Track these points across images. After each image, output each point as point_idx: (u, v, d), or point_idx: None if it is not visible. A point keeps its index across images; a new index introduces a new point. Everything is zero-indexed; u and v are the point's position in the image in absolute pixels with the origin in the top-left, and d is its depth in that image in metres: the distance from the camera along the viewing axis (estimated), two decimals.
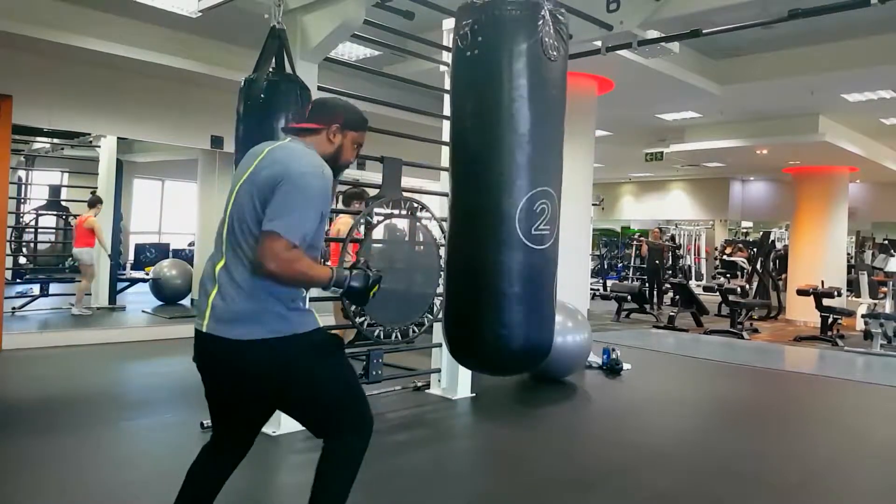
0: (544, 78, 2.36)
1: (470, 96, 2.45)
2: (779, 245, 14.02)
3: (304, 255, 1.93)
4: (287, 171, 1.94)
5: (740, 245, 16.37)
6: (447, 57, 5.08)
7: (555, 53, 2.34)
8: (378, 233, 4.69)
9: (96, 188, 8.27)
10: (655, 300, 12.24)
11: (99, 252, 7.90)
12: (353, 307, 4.26)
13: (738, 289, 10.25)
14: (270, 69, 3.54)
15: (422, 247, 4.90)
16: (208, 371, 2.13)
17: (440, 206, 5.11)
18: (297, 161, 1.98)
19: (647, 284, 12.59)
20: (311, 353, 2.03)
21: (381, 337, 4.50)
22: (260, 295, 1.95)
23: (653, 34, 4.72)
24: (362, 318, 4.68)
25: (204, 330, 2.01)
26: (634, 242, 16.04)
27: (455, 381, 4.99)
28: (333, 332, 2.19)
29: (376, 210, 4.60)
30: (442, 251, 4.50)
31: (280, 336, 1.96)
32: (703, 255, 16.97)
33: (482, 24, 2.35)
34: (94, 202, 7.89)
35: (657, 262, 12.68)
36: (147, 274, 9.30)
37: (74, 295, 7.87)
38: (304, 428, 4.00)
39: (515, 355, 2.43)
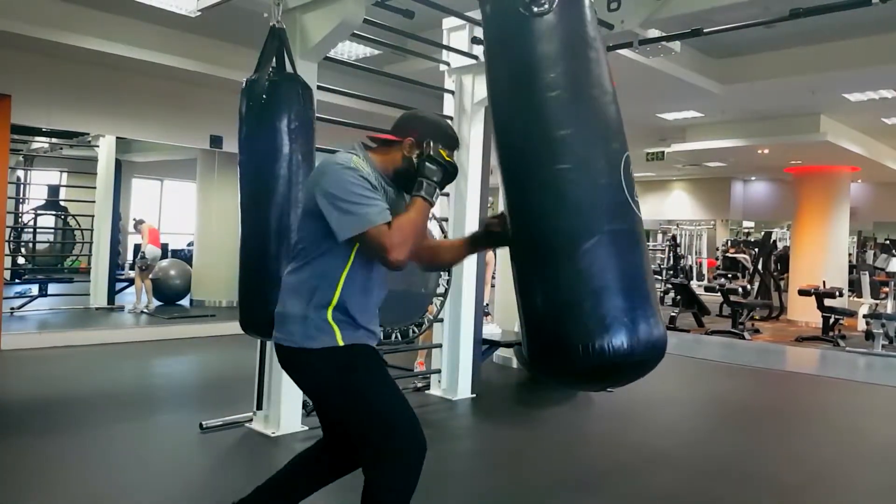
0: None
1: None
2: (780, 245, 14.00)
3: (395, 220, 1.86)
4: (316, 179, 1.96)
5: (741, 245, 16.36)
6: (447, 56, 5.07)
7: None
8: None
9: (95, 188, 8.28)
10: None
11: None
12: None
13: (740, 289, 10.23)
14: (271, 69, 3.52)
15: None
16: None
17: (440, 206, 5.10)
18: (320, 165, 2.01)
19: None
20: (339, 368, 1.98)
21: (381, 337, 4.49)
22: (297, 304, 1.97)
23: (654, 33, 4.70)
24: None
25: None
26: None
27: (455, 382, 4.97)
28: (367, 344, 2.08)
29: None
30: None
31: (312, 348, 1.94)
32: (704, 255, 16.94)
33: None
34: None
35: None
36: None
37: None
38: (303, 428, 4.03)
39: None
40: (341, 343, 1.97)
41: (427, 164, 1.94)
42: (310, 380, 2.04)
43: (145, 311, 8.36)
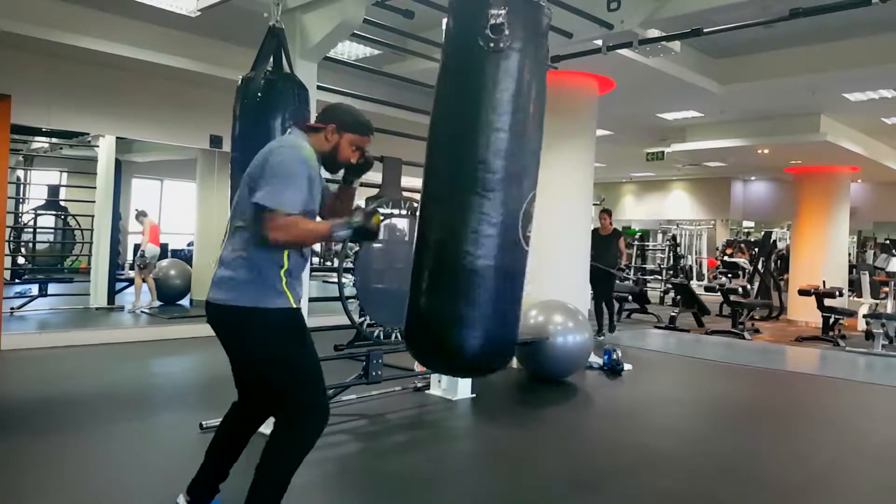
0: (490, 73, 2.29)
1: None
2: (780, 245, 13.99)
3: (301, 218, 2.29)
4: (264, 156, 2.33)
5: (741, 245, 16.34)
6: None
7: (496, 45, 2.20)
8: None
9: (95, 188, 8.27)
10: (606, 316, 8.53)
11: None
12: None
13: (740, 289, 10.23)
14: (268, 68, 3.52)
15: None
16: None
17: None
18: (273, 144, 2.39)
19: (594, 291, 8.30)
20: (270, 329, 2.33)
21: (381, 337, 4.49)
22: (243, 266, 2.34)
23: (654, 33, 4.71)
24: (362, 319, 4.67)
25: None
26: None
27: (455, 382, 4.97)
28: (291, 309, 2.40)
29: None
30: None
31: (247, 306, 2.31)
32: (704, 255, 16.92)
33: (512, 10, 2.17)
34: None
35: (611, 259, 8.42)
36: None
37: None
38: None
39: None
40: (294, 305, 2.38)
41: (362, 214, 2.36)
42: (253, 337, 2.35)
43: (146, 310, 8.36)
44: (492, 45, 2.16)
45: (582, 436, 4.40)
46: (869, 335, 8.68)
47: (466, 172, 2.23)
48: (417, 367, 5.60)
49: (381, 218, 2.24)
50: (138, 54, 6.24)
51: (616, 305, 9.24)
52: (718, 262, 16.48)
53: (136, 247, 9.01)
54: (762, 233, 14.87)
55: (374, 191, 4.58)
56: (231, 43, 6.54)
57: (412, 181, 7.21)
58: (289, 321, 2.37)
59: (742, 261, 14.60)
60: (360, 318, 4.71)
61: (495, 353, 2.36)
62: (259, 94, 3.31)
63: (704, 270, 16.77)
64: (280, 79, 3.45)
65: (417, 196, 4.90)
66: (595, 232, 8.22)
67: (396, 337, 4.56)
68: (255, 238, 2.28)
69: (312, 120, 3.26)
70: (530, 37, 2.23)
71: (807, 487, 3.54)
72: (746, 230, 19.67)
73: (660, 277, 15.02)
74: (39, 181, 9.41)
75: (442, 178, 2.33)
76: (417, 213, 2.42)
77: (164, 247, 10.16)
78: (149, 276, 8.65)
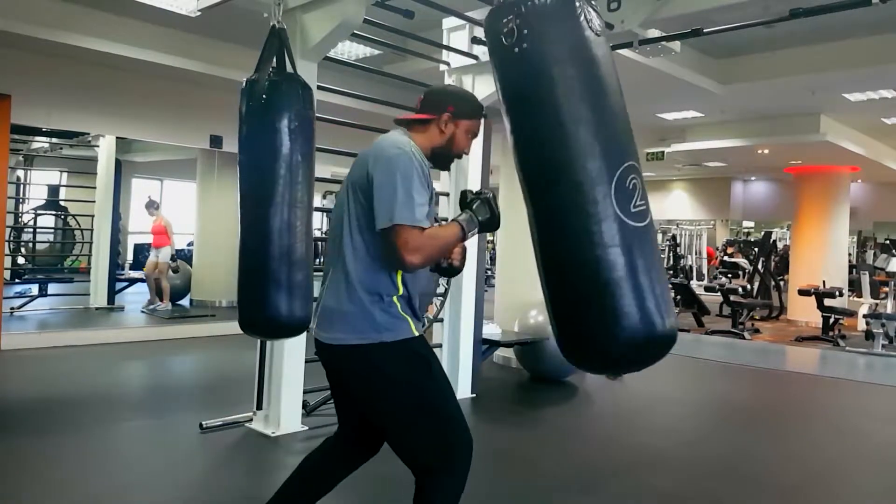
0: (596, 55, 2.12)
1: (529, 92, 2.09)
2: (780, 245, 13.98)
3: (432, 229, 1.90)
4: (374, 161, 1.92)
5: (740, 244, 16.35)
6: (447, 56, 5.07)
7: (599, 28, 2.12)
8: None
9: (95, 188, 8.28)
10: None
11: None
12: None
13: (740, 289, 10.23)
14: (271, 69, 3.52)
15: None
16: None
17: (440, 206, 5.10)
18: (379, 147, 1.95)
19: None
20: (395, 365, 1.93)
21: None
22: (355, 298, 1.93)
23: (654, 33, 4.70)
24: None
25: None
26: None
27: (455, 382, 4.96)
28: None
29: None
30: None
31: (367, 343, 1.90)
32: (704, 255, 16.92)
33: (525, 15, 2.04)
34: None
35: None
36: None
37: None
38: (303, 428, 4.03)
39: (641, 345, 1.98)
40: (416, 333, 1.97)
41: (481, 203, 1.97)
42: (377, 375, 1.93)
43: (144, 310, 8.34)
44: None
45: (582, 436, 4.40)
46: (869, 335, 8.67)
47: None
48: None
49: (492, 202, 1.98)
50: (138, 54, 6.24)
51: None
52: (717, 254, 16.49)
53: (136, 247, 8.99)
54: (762, 233, 14.88)
55: None
56: (231, 43, 6.54)
57: None
58: (414, 353, 1.97)
59: (742, 261, 14.62)
60: None
61: None
62: (264, 96, 3.32)
63: (704, 268, 16.77)
64: (284, 79, 3.45)
65: None
66: None
67: None
68: (382, 262, 1.91)
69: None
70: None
71: (806, 487, 3.54)
72: (746, 230, 19.67)
73: None
74: (39, 181, 9.41)
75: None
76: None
77: None
78: (165, 276, 8.62)
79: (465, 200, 2.01)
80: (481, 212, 1.95)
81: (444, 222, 2.12)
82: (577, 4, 2.11)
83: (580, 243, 1.96)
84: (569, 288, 1.98)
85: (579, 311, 1.97)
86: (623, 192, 2.03)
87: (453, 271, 2.07)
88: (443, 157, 2.09)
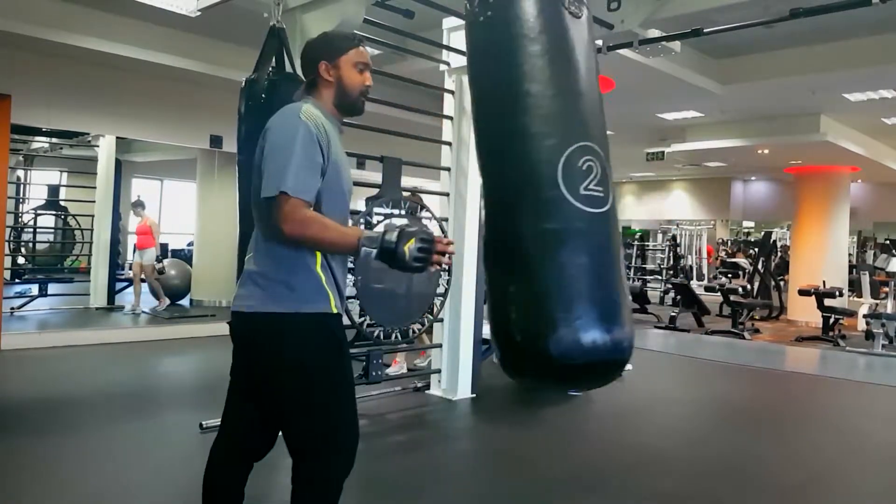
0: (569, 34, 2.12)
1: (488, 62, 2.16)
2: (780, 245, 13.98)
3: (326, 218, 1.80)
4: (264, 132, 1.87)
5: (740, 244, 16.36)
6: (447, 56, 5.07)
7: (576, 9, 2.12)
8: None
9: (95, 188, 8.27)
10: None
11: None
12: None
13: (740, 289, 10.23)
14: (271, 68, 3.53)
15: None
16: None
17: (440, 206, 5.10)
18: (273, 118, 1.89)
19: None
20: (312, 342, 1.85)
21: (381, 337, 4.48)
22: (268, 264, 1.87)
23: (654, 33, 4.70)
24: (362, 319, 4.66)
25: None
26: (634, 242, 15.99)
27: (455, 382, 4.97)
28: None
29: (376, 210, 4.58)
30: None
31: (280, 312, 1.82)
32: (704, 254, 16.93)
33: None
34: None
35: None
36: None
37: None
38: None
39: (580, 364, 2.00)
40: (334, 310, 1.88)
41: (399, 235, 1.80)
42: (290, 350, 1.83)
43: (145, 310, 8.34)
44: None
45: (582, 436, 4.40)
46: (869, 335, 8.67)
47: None
48: (421, 363, 5.61)
49: (415, 243, 1.80)
50: (138, 54, 6.24)
51: None
52: (715, 253, 16.48)
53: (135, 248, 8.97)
54: (762, 233, 14.88)
55: (374, 191, 4.59)
56: (231, 43, 6.55)
57: (412, 181, 7.24)
58: (328, 331, 1.88)
59: (743, 261, 14.62)
60: (359, 318, 4.71)
61: None
62: (263, 96, 3.32)
63: (705, 268, 16.77)
64: (283, 79, 3.46)
65: (417, 196, 4.90)
66: None
67: (396, 337, 4.56)
68: (272, 231, 1.82)
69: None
70: None
71: (807, 487, 3.54)
72: (746, 230, 19.68)
73: (660, 277, 15.02)
74: (39, 181, 9.40)
75: None
76: None
77: (164, 247, 10.17)
78: (151, 278, 8.59)
79: (399, 229, 1.86)
80: (389, 241, 1.79)
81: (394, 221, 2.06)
82: None
83: (521, 215, 2.02)
84: (503, 264, 2.10)
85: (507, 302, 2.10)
86: (572, 171, 2.03)
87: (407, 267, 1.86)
88: (347, 105, 1.98)
